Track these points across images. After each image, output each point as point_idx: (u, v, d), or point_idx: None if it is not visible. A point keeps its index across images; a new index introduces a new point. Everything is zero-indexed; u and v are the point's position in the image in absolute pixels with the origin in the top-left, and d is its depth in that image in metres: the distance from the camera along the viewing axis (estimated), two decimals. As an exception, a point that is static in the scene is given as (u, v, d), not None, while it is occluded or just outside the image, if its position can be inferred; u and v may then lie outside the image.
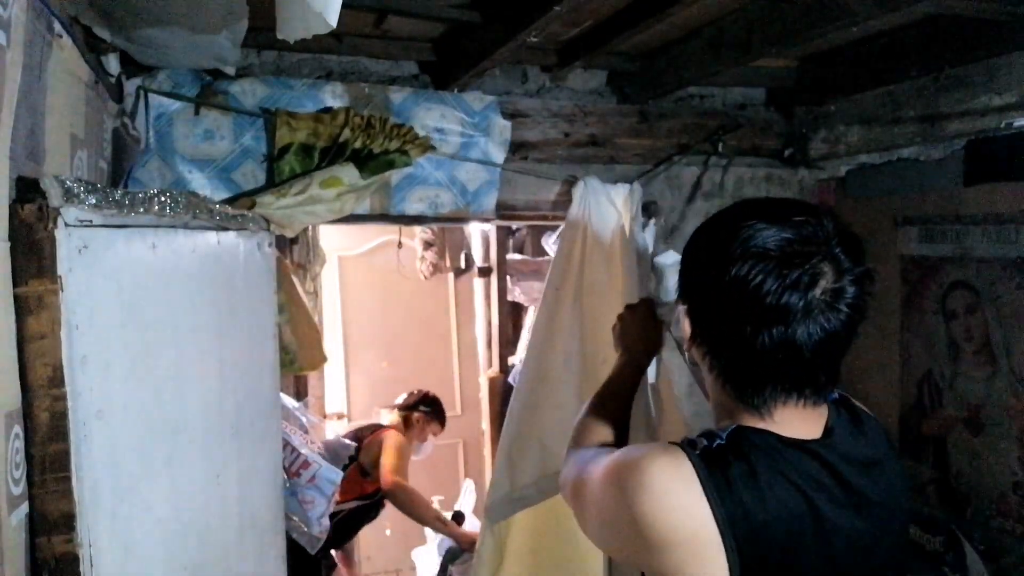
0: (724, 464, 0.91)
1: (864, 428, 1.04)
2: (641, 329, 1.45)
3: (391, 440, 3.09)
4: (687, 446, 0.94)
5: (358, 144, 2.10)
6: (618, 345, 1.47)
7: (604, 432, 1.28)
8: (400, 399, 3.41)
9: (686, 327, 1.06)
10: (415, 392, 3.45)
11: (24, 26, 1.00)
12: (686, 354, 1.13)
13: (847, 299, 0.91)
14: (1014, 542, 2.12)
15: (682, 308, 1.06)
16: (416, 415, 3.34)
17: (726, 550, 0.88)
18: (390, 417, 3.35)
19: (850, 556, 0.96)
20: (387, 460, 3.02)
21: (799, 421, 0.98)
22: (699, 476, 0.90)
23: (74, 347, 0.90)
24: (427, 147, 2.21)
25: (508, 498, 2.25)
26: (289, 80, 2.15)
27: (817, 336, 0.90)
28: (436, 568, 3.16)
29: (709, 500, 0.89)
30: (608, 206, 2.34)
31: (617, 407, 1.34)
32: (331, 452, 2.88)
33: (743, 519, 0.89)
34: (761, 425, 0.97)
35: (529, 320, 3.83)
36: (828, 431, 0.99)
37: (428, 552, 3.33)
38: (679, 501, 0.90)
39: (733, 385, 0.99)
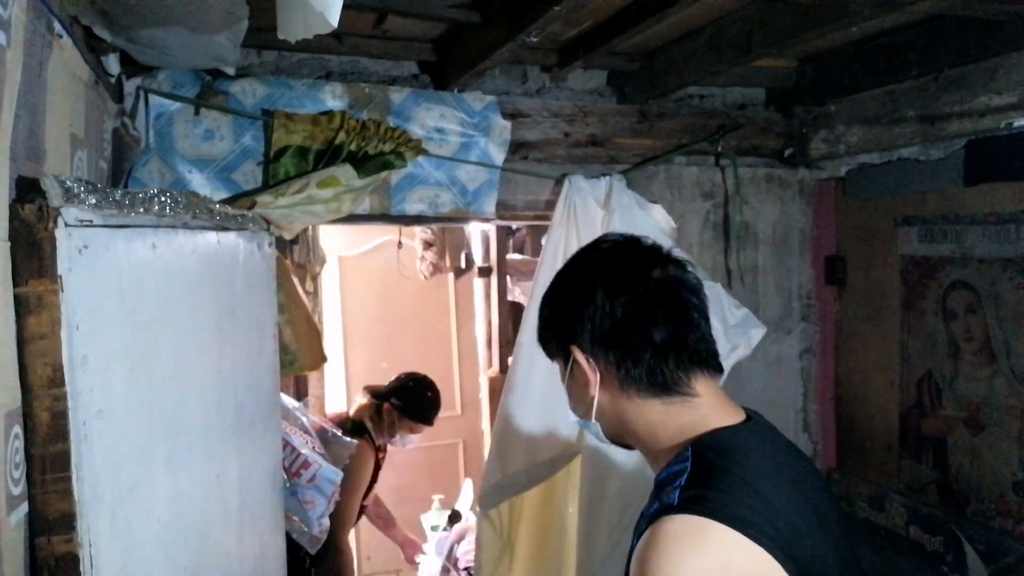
0: (722, 498, 0.90)
1: (779, 433, 1.09)
2: None
3: (352, 475, 2.66)
4: (679, 510, 0.89)
5: (353, 147, 2.10)
6: None
7: None
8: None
9: (591, 374, 1.04)
10: (401, 376, 3.02)
11: (24, 26, 1.00)
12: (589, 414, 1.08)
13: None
14: (1014, 542, 2.12)
15: (581, 355, 1.04)
16: (386, 406, 2.88)
17: (782, 563, 0.87)
18: (361, 401, 2.95)
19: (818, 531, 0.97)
20: (342, 510, 2.61)
21: (719, 401, 1.04)
22: (726, 523, 0.87)
23: (74, 347, 0.90)
24: (420, 150, 2.23)
25: (499, 485, 2.33)
26: (289, 80, 2.15)
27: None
28: (436, 569, 3.16)
29: (747, 536, 0.87)
30: (593, 203, 2.35)
31: None
32: (327, 447, 2.73)
33: (774, 529, 0.89)
34: (696, 418, 1.01)
35: (526, 320, 3.82)
36: (749, 416, 1.05)
37: (428, 551, 3.32)
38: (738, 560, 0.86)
39: (661, 384, 1.01)
